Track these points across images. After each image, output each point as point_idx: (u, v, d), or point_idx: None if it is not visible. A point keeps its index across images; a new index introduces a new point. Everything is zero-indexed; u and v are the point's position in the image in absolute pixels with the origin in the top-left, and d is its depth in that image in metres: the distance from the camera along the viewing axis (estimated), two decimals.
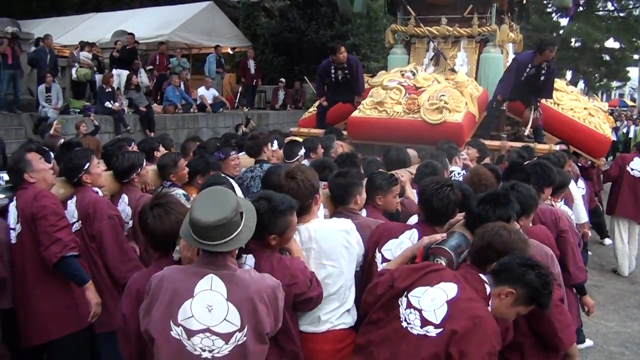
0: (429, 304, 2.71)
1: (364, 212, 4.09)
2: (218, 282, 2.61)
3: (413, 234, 3.48)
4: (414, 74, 8.69)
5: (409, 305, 2.77)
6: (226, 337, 2.58)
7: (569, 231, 4.37)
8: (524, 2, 11.26)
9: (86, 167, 4.29)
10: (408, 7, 10.05)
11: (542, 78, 8.23)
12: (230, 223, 2.57)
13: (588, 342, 6.20)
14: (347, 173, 3.97)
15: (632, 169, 8.64)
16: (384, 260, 3.45)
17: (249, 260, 3.07)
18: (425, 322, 2.68)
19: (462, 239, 3.10)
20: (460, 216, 3.46)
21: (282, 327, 2.98)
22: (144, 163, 4.73)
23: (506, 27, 9.80)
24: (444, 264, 2.95)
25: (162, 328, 2.60)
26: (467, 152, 6.71)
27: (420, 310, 2.72)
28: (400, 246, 3.44)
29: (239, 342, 2.59)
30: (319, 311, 3.23)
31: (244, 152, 5.99)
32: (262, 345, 2.67)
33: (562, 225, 4.32)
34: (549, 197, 4.91)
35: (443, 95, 7.98)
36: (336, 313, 3.26)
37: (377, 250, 3.52)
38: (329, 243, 3.27)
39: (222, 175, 4.73)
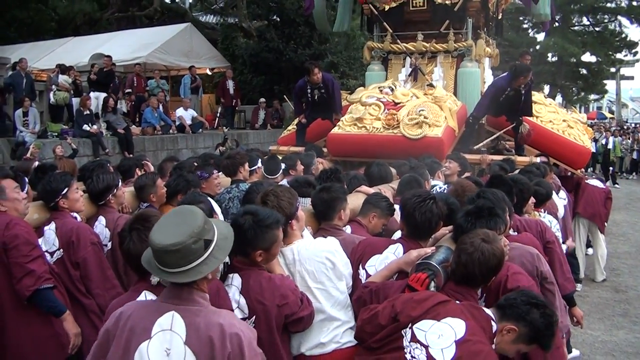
0: (436, 341, 2.60)
1: (348, 229, 4.03)
2: (179, 320, 2.28)
3: (397, 248, 3.41)
4: (392, 90, 8.68)
5: (414, 338, 2.65)
6: None
7: (556, 242, 4.35)
8: (500, 17, 11.39)
9: (64, 192, 4.17)
10: (385, 23, 10.07)
11: (523, 98, 8.29)
12: (186, 249, 2.24)
13: (575, 352, 6.18)
14: (331, 188, 3.92)
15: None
16: (368, 277, 3.37)
17: (235, 280, 3.00)
18: None
19: (449, 253, 3.03)
20: (446, 230, 3.39)
21: (270, 348, 2.90)
22: (120, 184, 4.63)
23: (482, 42, 9.86)
24: (433, 284, 2.88)
25: None
26: (448, 165, 6.70)
27: (427, 347, 2.61)
28: (384, 262, 3.37)
29: None
30: (318, 336, 3.16)
31: (221, 172, 5.93)
32: None
33: (549, 237, 4.29)
34: (533, 208, 4.91)
35: (422, 110, 7.96)
36: (337, 332, 3.19)
37: (360, 267, 3.44)
38: (312, 265, 3.19)
39: (201, 194, 4.64)
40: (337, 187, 3.99)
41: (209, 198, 4.61)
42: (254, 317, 2.96)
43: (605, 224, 9.27)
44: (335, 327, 3.18)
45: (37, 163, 6.93)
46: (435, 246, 3.21)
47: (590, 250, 9.57)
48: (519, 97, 8.24)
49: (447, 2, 9.52)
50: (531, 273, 3.33)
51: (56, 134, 13.58)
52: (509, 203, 3.77)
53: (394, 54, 10.21)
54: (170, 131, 16.13)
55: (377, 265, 3.38)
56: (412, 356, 2.61)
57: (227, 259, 2.99)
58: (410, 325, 2.67)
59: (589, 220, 8.96)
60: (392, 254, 3.38)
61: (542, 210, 5.27)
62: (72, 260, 4.05)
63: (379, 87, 8.92)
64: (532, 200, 4.85)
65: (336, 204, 3.82)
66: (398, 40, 9.99)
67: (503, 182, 4.42)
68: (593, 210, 8.86)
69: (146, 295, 2.76)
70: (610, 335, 6.94)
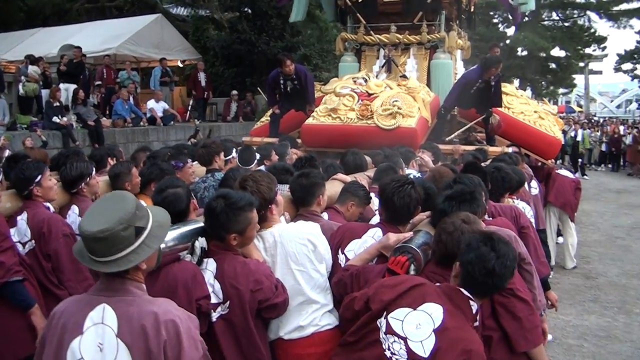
0: (415, 332, 2.52)
1: (325, 216, 4.03)
2: (110, 313, 2.16)
3: (377, 232, 3.41)
4: (366, 81, 8.70)
5: (390, 330, 2.57)
6: None
7: (530, 227, 4.37)
8: (472, 10, 11.48)
9: (38, 179, 4.11)
10: (358, 15, 10.10)
11: (493, 90, 8.38)
12: (114, 237, 2.12)
13: (548, 337, 6.26)
14: (310, 174, 3.90)
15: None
16: (347, 261, 3.36)
17: (210, 264, 2.98)
18: (412, 355, 2.50)
19: (428, 237, 3.04)
20: (423, 215, 3.41)
21: (244, 333, 2.89)
22: (93, 172, 4.58)
23: (455, 34, 9.96)
24: (413, 267, 2.88)
25: None
26: (421, 155, 6.74)
27: (405, 339, 2.53)
28: (363, 246, 3.37)
29: None
30: (297, 319, 3.15)
31: (196, 162, 5.89)
32: None
33: (523, 222, 4.31)
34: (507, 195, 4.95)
35: (396, 101, 8.00)
36: (316, 315, 3.18)
37: (339, 252, 3.44)
38: (294, 246, 3.18)
39: (178, 178, 4.59)
40: (316, 173, 3.98)
41: None
42: (228, 302, 2.95)
43: (575, 213, 9.43)
44: (314, 310, 3.17)
45: (8, 152, 6.80)
46: (413, 231, 3.21)
47: (560, 239, 9.72)
48: (489, 89, 8.33)
49: None
50: None
51: (25, 126, 13.35)
52: (485, 189, 3.81)
53: (367, 46, 10.27)
54: (141, 123, 15.95)
55: (356, 249, 3.39)
56: (392, 352, 2.54)
57: (204, 244, 2.98)
58: (384, 314, 2.61)
59: (559, 209, 9.10)
60: (371, 238, 3.39)
61: (515, 197, 5.32)
62: (43, 251, 3.99)
63: (352, 78, 8.93)
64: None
65: (315, 190, 3.81)
66: (371, 32, 10.03)
67: (478, 169, 4.46)
68: (564, 199, 9.00)
69: None
70: (582, 320, 7.08)
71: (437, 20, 9.82)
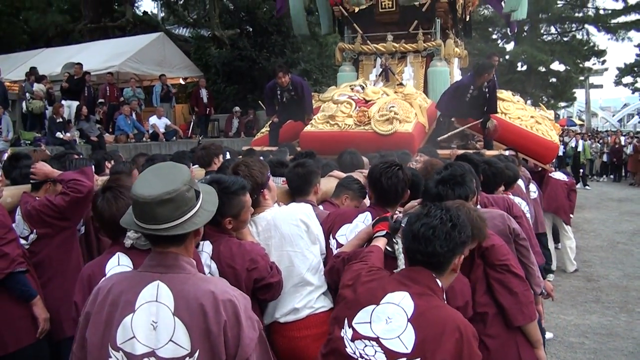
0: (386, 328, 2.28)
1: (320, 208, 4.09)
2: (165, 290, 2.10)
3: (367, 217, 3.46)
4: (363, 88, 8.82)
5: (357, 335, 2.33)
6: None
7: (523, 216, 4.40)
8: (467, 19, 11.62)
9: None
10: (355, 25, 10.24)
11: (488, 97, 8.45)
12: (181, 198, 2.09)
13: (548, 335, 6.30)
14: (305, 163, 4.00)
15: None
16: (339, 246, 3.42)
17: (206, 246, 3.03)
18: (392, 355, 2.25)
19: None
20: (415, 202, 3.44)
21: None
22: (92, 169, 4.64)
23: (451, 42, 10.09)
24: (401, 243, 2.85)
25: (99, 355, 2.10)
26: (419, 159, 6.78)
27: (377, 339, 2.28)
28: (354, 231, 3.42)
29: None
30: (292, 301, 3.19)
31: (196, 165, 5.97)
32: None
33: (516, 211, 4.32)
34: (503, 192, 5.00)
35: (393, 107, 8.10)
36: (311, 297, 3.22)
37: (331, 237, 3.50)
38: (288, 228, 3.25)
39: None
40: (311, 162, 4.07)
41: None
42: None
43: (572, 216, 9.50)
44: (308, 292, 3.22)
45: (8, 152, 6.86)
46: (403, 214, 3.25)
47: (559, 245, 9.74)
48: (483, 96, 8.40)
49: (415, 3, 9.70)
50: (504, 232, 3.42)
51: (29, 142, 13.51)
52: (475, 176, 3.86)
53: (364, 55, 10.42)
54: (144, 139, 16.07)
55: (348, 234, 3.44)
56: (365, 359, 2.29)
57: None
58: (347, 323, 2.39)
59: (553, 214, 9.15)
60: (362, 223, 3.44)
61: (510, 193, 5.36)
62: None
63: (350, 86, 9.06)
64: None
65: (312, 178, 3.90)
66: (368, 41, 10.17)
67: (469, 160, 4.52)
68: (556, 204, 9.06)
69: (119, 257, 2.78)
70: (583, 319, 7.09)
71: (432, 28, 9.96)
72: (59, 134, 13.44)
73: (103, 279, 2.36)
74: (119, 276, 2.28)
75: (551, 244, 9.09)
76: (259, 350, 2.19)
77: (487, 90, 8.36)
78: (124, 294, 2.11)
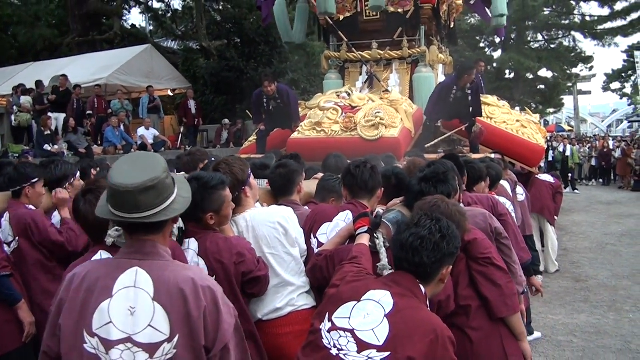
0: (363, 322, 2.30)
1: (306, 208, 4.11)
2: (144, 276, 2.10)
3: (347, 215, 3.49)
4: (349, 95, 8.87)
5: (334, 327, 2.35)
6: (151, 349, 2.06)
7: (508, 214, 4.44)
8: (452, 26, 11.72)
9: (34, 181, 4.20)
10: (340, 33, 10.30)
11: (470, 98, 8.53)
12: (162, 185, 2.11)
13: (536, 334, 6.36)
14: (287, 163, 4.03)
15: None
16: (320, 245, 3.44)
17: (192, 244, 3.02)
18: (363, 346, 2.25)
19: (400, 215, 3.09)
20: (397, 200, 3.46)
21: (235, 306, 2.94)
22: (78, 174, 4.65)
23: (435, 49, 10.16)
24: (382, 238, 2.92)
25: (74, 341, 2.09)
26: (405, 164, 6.81)
27: (352, 331, 2.29)
28: (335, 229, 3.45)
29: (168, 356, 2.07)
30: (274, 302, 3.20)
31: (182, 172, 5.97)
32: None
33: (501, 210, 4.36)
34: (487, 192, 5.03)
35: (378, 112, 8.15)
36: (293, 296, 3.23)
37: (312, 236, 3.52)
38: (265, 230, 3.25)
39: None
40: (293, 163, 4.11)
41: None
42: (214, 276, 2.98)
43: (556, 218, 9.56)
44: (290, 292, 3.23)
45: None
46: (385, 210, 3.27)
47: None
48: (466, 98, 8.47)
49: (399, 10, 9.78)
50: (485, 231, 3.44)
51: (17, 154, 13.43)
52: (458, 173, 3.89)
53: (350, 63, 10.47)
54: (132, 150, 16.02)
55: (328, 233, 3.47)
56: (338, 349, 2.29)
57: (181, 224, 3.05)
58: (328, 317, 2.41)
59: (538, 214, 9.20)
60: (342, 221, 3.47)
61: (494, 193, 5.40)
62: (33, 241, 4.06)
63: (336, 93, 9.11)
64: (486, 183, 5.01)
65: (294, 177, 3.93)
66: (354, 49, 10.23)
67: (452, 158, 4.55)
68: (541, 204, 9.13)
69: (102, 255, 2.78)
70: (572, 318, 7.13)
71: (417, 35, 10.04)
72: (46, 147, 13.37)
73: (79, 265, 2.35)
74: (94, 263, 2.31)
75: (538, 246, 9.13)
76: (237, 338, 2.24)
77: (469, 92, 8.43)
78: (100, 280, 2.12)
